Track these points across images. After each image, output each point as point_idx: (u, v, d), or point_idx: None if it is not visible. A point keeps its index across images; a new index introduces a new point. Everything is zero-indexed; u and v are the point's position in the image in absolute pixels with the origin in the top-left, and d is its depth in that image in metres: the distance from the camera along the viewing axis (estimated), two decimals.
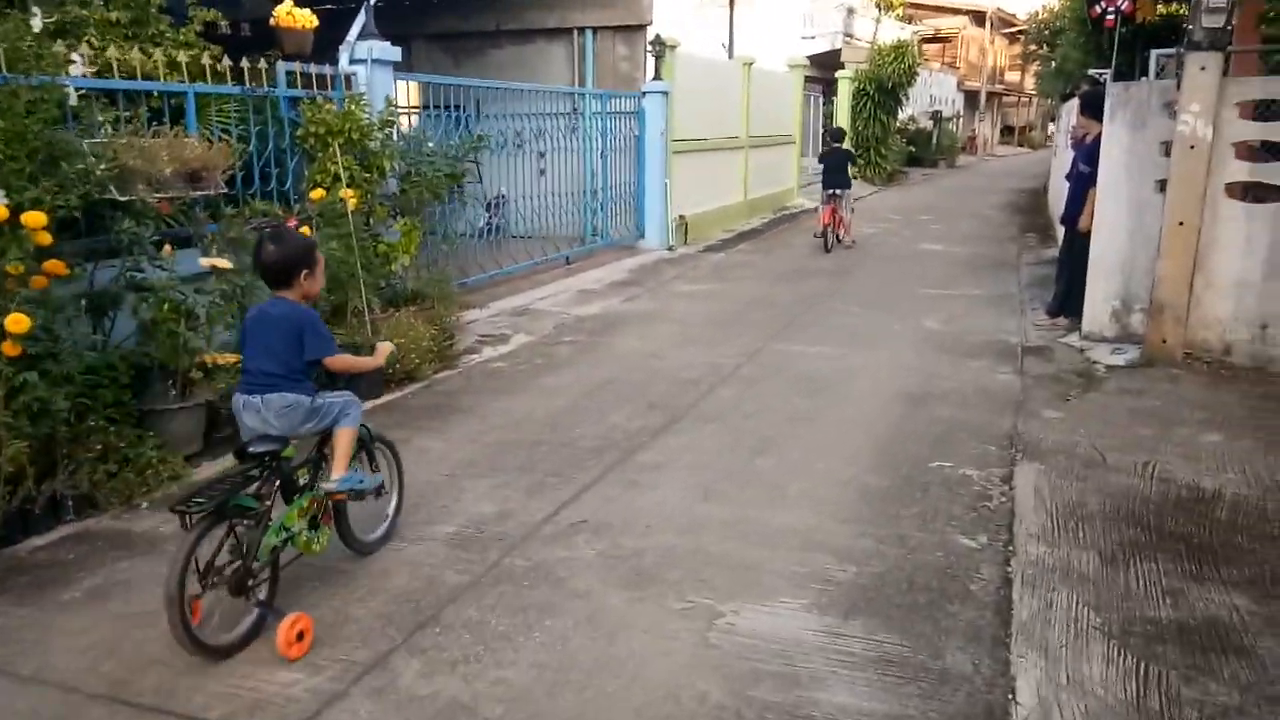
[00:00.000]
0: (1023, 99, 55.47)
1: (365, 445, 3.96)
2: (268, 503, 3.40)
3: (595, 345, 7.93)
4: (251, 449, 3.41)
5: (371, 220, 7.15)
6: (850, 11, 29.46)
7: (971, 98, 45.00)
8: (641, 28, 13.72)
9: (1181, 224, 6.80)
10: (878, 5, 32.84)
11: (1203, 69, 6.59)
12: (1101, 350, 7.47)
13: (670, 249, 13.79)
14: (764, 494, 4.72)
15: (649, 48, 13.44)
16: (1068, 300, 8.31)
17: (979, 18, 45.66)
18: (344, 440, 3.65)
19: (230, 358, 5.30)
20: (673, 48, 13.55)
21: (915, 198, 22.44)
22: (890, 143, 26.14)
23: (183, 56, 6.20)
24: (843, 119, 24.78)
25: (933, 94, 36.32)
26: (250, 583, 3.34)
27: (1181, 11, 15.03)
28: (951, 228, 16.25)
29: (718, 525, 4.33)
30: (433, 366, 6.95)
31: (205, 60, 6.29)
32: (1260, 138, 6.71)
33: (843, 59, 26.94)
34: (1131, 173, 7.30)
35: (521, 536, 4.23)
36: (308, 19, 8.60)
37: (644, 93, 13.39)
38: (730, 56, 19.31)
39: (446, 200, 7.87)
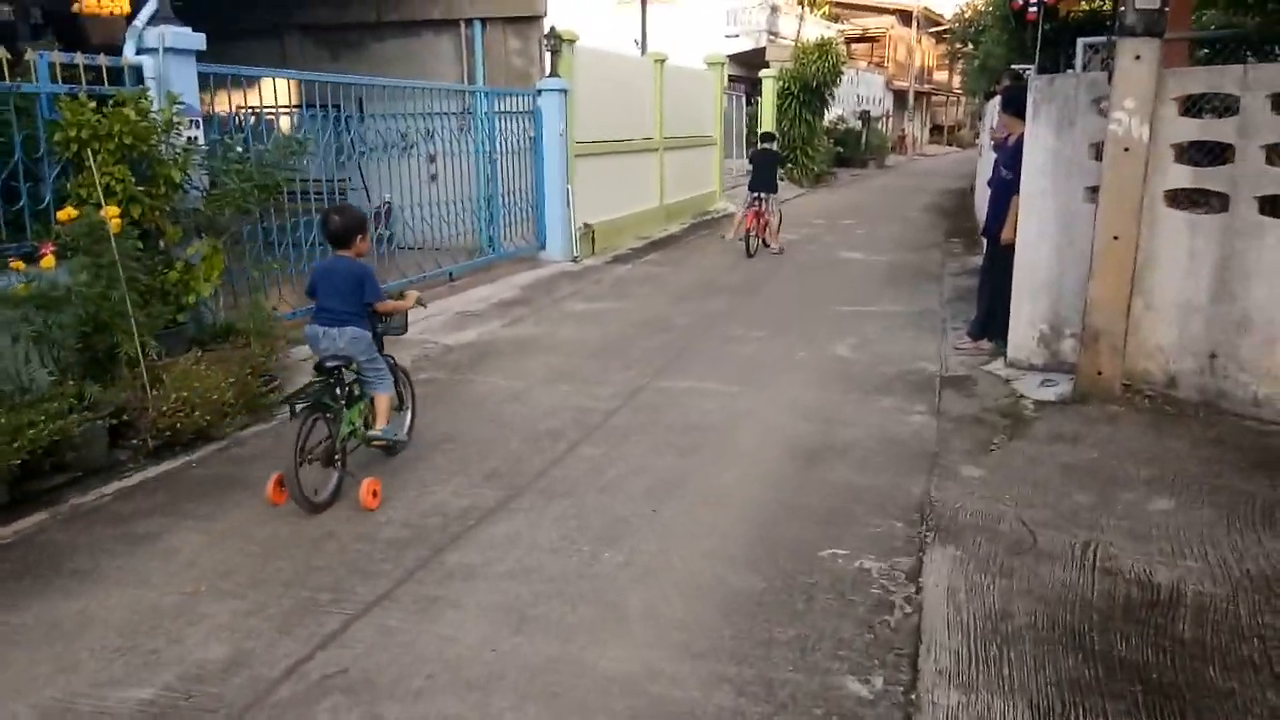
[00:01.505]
0: (951, 98, 55.51)
1: (394, 371, 5.12)
2: (341, 402, 4.64)
3: (452, 385, 6.75)
4: (328, 364, 4.54)
5: (163, 243, 5.86)
6: (774, 9, 28.68)
7: (900, 97, 44.68)
8: (536, 19, 12.55)
9: (1116, 238, 5.85)
10: (801, 3, 32.09)
11: (1137, 58, 5.64)
12: (1029, 382, 6.51)
13: (575, 260, 12.65)
14: (598, 614, 3.59)
15: (544, 42, 12.26)
16: (990, 321, 7.36)
17: (906, 17, 45.35)
18: (383, 403, 4.89)
19: None
20: (570, 42, 12.40)
21: (841, 200, 21.63)
22: (817, 143, 25.34)
23: None
24: (767, 119, 23.90)
25: (860, 93, 35.76)
26: (335, 457, 4.60)
27: (1105, 7, 14.39)
28: (875, 232, 15.39)
29: (523, 675, 3.19)
30: (237, 422, 5.70)
31: None
32: (1202, 137, 5.79)
33: (767, 58, 26.10)
34: (1058, 179, 6.35)
35: (245, 704, 3.03)
36: (118, 3, 7.25)
37: (539, 90, 12.21)
38: (644, 54, 18.23)
39: (258, 216, 6.57)
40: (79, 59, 5.66)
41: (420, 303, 5.35)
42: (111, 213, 5.24)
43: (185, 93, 6.34)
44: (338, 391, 4.63)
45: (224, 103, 9.87)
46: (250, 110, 12.46)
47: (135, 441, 5.20)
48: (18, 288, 4.73)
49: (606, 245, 13.55)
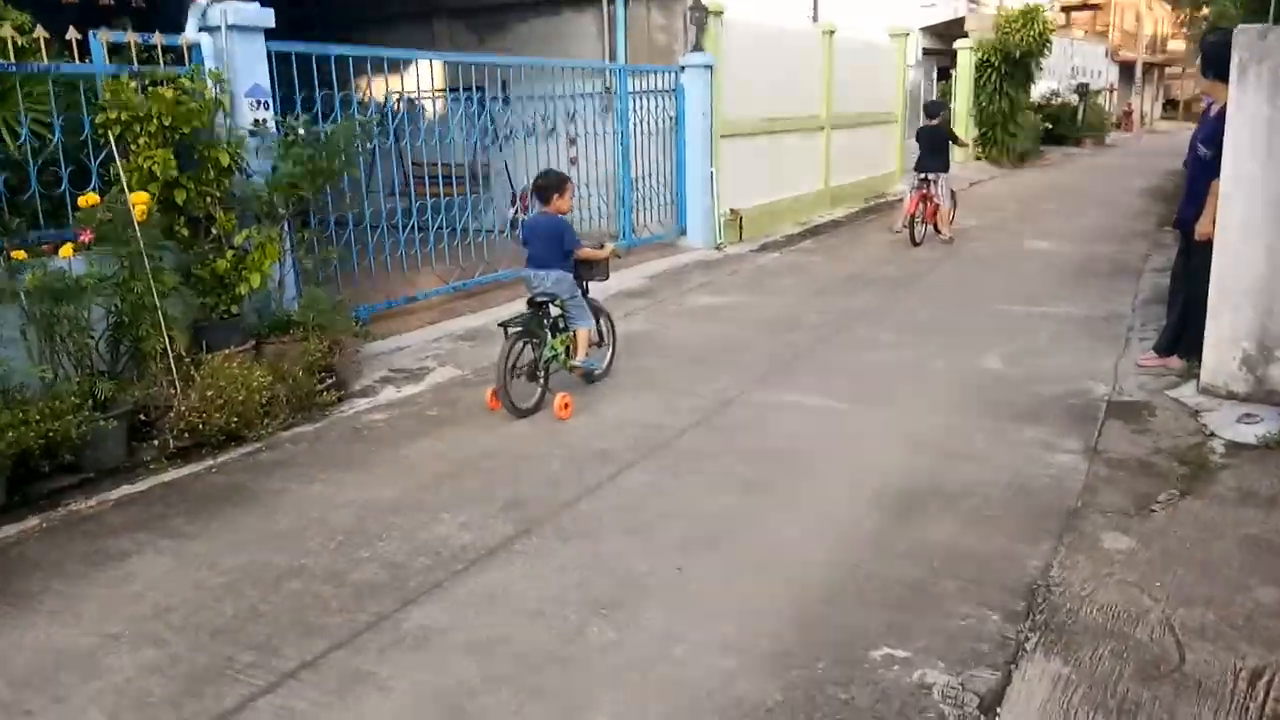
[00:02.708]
0: (1188, 69, 49.73)
1: (596, 313, 5.95)
2: (545, 331, 5.58)
3: None
4: (536, 299, 5.58)
5: (214, 230, 5.51)
6: None
7: (1127, 69, 40.35)
8: None
9: None
10: None
11: None
12: (1225, 415, 5.09)
13: (718, 248, 11.76)
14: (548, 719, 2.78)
15: (688, 15, 11.39)
16: (1183, 334, 5.90)
17: None
18: (581, 337, 5.73)
19: None
20: (717, 14, 11.47)
21: (1044, 181, 19.44)
22: (1020, 119, 22.94)
23: None
24: (963, 94, 21.93)
25: (1076, 65, 32.44)
26: (538, 374, 5.52)
27: None
28: (1073, 220, 13.50)
29: None
30: (280, 421, 5.28)
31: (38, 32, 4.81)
32: None
33: (966, 27, 23.92)
34: (1272, 159, 4.87)
35: None
36: None
37: (682, 67, 11.38)
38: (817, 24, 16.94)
39: (307, 201, 6.06)
40: (129, 38, 5.36)
41: (616, 254, 6.16)
42: (139, 199, 4.89)
43: (252, 72, 5.99)
44: (544, 322, 5.58)
45: (370, 88, 9.68)
46: (397, 95, 12.42)
47: (156, 442, 4.85)
48: (30, 277, 4.43)
49: (756, 232, 12.54)
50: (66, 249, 4.68)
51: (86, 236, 4.86)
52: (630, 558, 3.74)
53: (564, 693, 2.89)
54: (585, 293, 5.81)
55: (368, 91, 12.26)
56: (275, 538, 3.98)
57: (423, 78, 11.64)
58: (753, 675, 2.95)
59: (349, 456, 4.94)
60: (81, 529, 4.12)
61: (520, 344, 5.42)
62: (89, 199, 4.76)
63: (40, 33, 4.98)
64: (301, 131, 5.85)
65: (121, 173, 4.91)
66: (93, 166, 5.21)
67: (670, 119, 11.49)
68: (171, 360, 4.96)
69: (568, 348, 5.70)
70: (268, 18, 6.04)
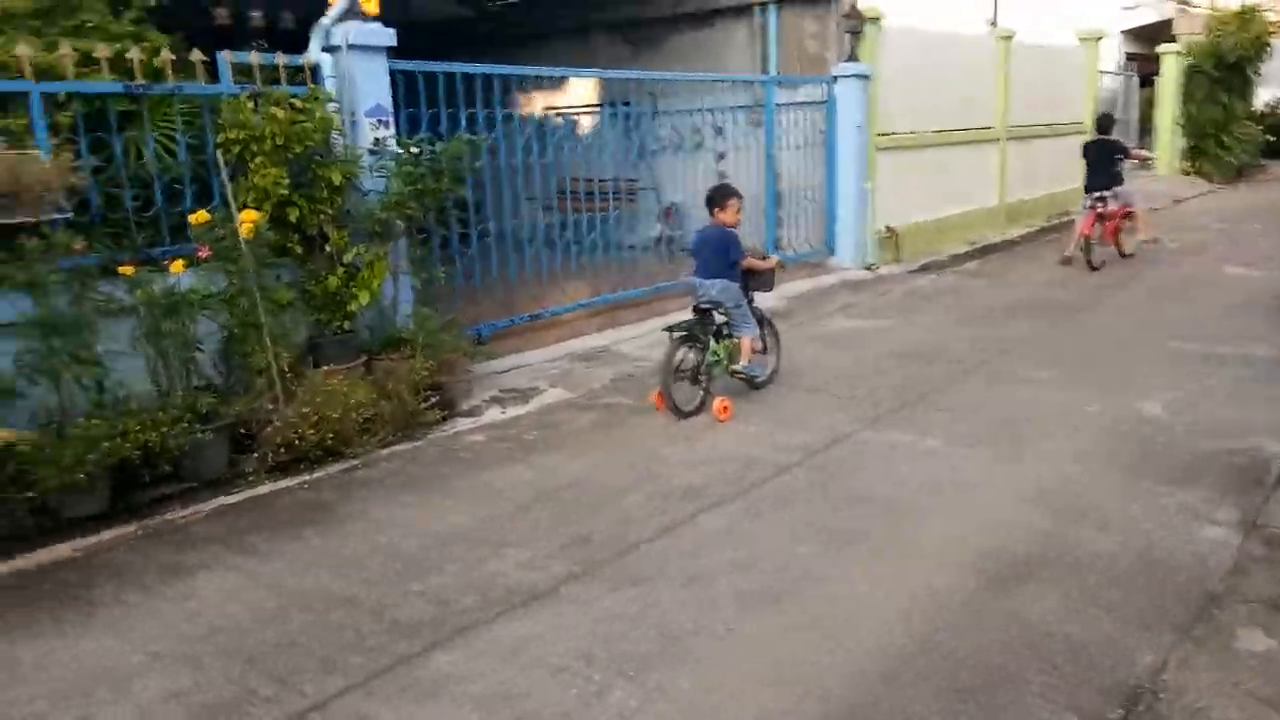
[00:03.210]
0: None
1: (761, 322, 6.13)
2: (708, 336, 5.81)
3: (622, 417, 5.90)
4: (701, 306, 5.85)
5: (328, 248, 5.65)
6: None
7: None
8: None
9: None
10: None
11: None
12: None
13: (869, 268, 11.21)
14: None
15: (840, 23, 10.91)
16: None
17: None
18: (745, 344, 5.94)
19: (5, 435, 4.03)
20: (874, 20, 10.95)
21: (1258, 199, 17.46)
22: (1236, 130, 20.75)
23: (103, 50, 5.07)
24: (1167, 102, 20.11)
25: None
26: (700, 378, 5.76)
27: None
28: None
29: None
30: (380, 439, 5.34)
31: (135, 54, 5.11)
32: None
33: (1175, 30, 21.92)
34: None
35: None
36: (368, 4, 7.32)
37: (834, 77, 10.92)
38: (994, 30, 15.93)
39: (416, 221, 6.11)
40: (253, 59, 5.58)
41: (781, 266, 6.45)
42: (247, 216, 5.07)
43: (374, 91, 6.12)
44: (707, 328, 5.83)
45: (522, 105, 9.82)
46: (553, 111, 12.66)
47: (257, 455, 4.99)
48: (140, 292, 4.66)
49: (916, 251, 11.87)
50: (177, 265, 4.90)
51: (204, 253, 5.08)
52: (680, 611, 3.47)
53: None
54: (750, 302, 6.03)
55: (525, 107, 12.53)
56: (339, 562, 3.97)
57: (578, 93, 11.82)
58: None
59: (435, 480, 4.91)
60: (170, 539, 4.26)
61: (684, 348, 5.70)
62: (200, 217, 4.97)
63: (166, 56, 5.23)
64: (415, 150, 5.90)
65: (228, 191, 5.10)
66: (215, 185, 5.44)
67: (821, 132, 11.06)
68: (275, 375, 5.09)
69: (730, 353, 5.93)
70: (389, 37, 6.16)
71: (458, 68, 6.98)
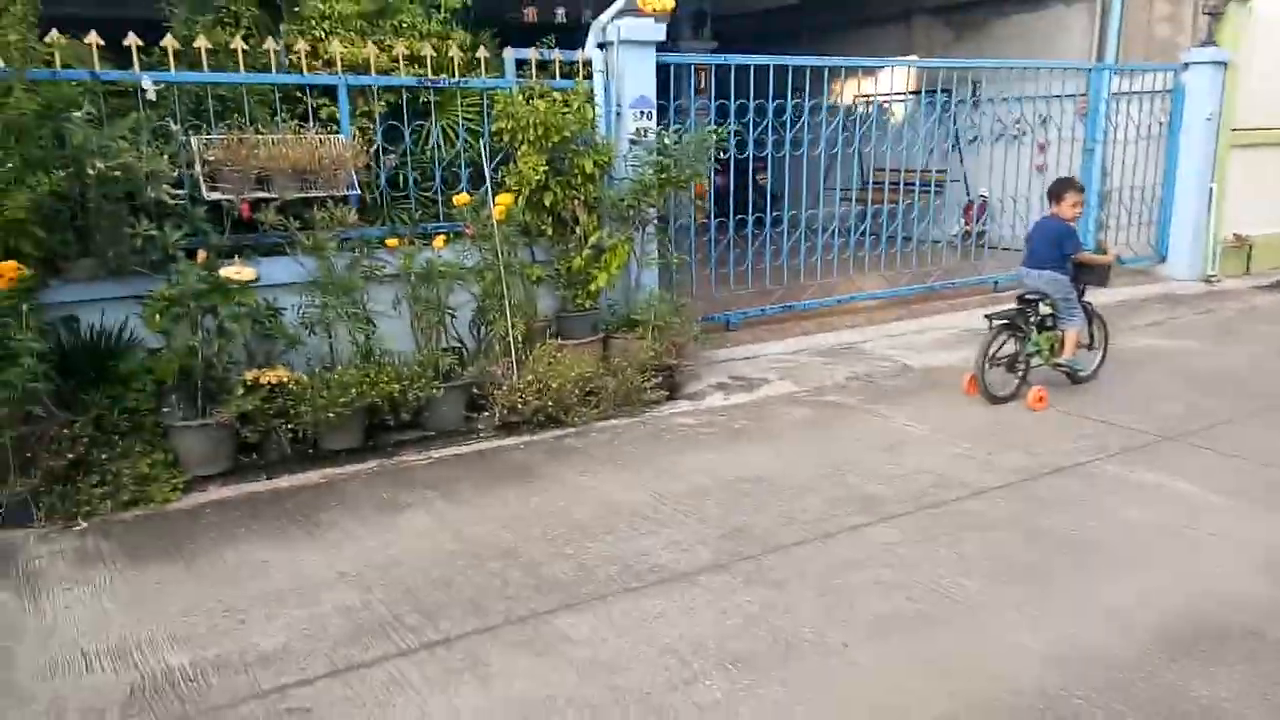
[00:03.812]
0: None
1: (1089, 317, 6.14)
2: (1030, 326, 5.91)
3: (843, 416, 5.78)
4: (1026, 297, 5.94)
5: (579, 230, 6.07)
6: None
7: None
8: None
9: None
10: None
11: None
12: None
13: (1208, 280, 9.87)
14: None
15: (1200, 3, 9.57)
16: None
17: None
18: (1070, 337, 5.97)
19: (279, 374, 4.86)
20: (1242, 1, 9.49)
21: None
22: None
23: (427, 49, 5.88)
24: None
25: None
26: (1017, 366, 5.90)
27: None
28: None
29: None
30: (600, 411, 5.70)
31: (453, 52, 5.88)
32: None
33: None
34: None
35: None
36: (664, 3, 7.81)
37: (1184, 65, 9.63)
38: None
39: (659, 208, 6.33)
40: (531, 55, 6.11)
41: (1119, 259, 6.61)
42: (503, 200, 5.59)
43: (640, 83, 6.44)
44: (1030, 319, 5.92)
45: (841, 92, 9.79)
46: (865, 98, 12.40)
47: (487, 415, 5.54)
48: (403, 262, 5.36)
49: (1272, 264, 10.25)
50: (439, 240, 5.54)
51: (469, 231, 5.71)
52: (804, 620, 3.42)
53: None
54: (1081, 295, 6.02)
55: (838, 95, 12.48)
56: (517, 518, 4.34)
57: (895, 80, 11.50)
58: None
59: (633, 455, 5.16)
60: (397, 478, 4.88)
61: (1002, 336, 5.84)
62: (461, 199, 5.57)
63: (457, 53, 5.88)
64: (667, 141, 6.14)
65: (487, 176, 5.65)
66: (487, 169, 6.05)
67: (1162, 124, 9.83)
68: (512, 344, 5.61)
69: (1052, 345, 5.97)
70: (658, 32, 6.45)
71: (734, 59, 7.16)
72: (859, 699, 2.97)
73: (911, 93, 11.91)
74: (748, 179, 7.85)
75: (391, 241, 5.40)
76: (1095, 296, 6.31)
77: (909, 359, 7.00)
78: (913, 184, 10.12)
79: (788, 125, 7.67)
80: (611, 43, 6.34)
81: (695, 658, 3.20)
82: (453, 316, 5.69)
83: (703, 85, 11.61)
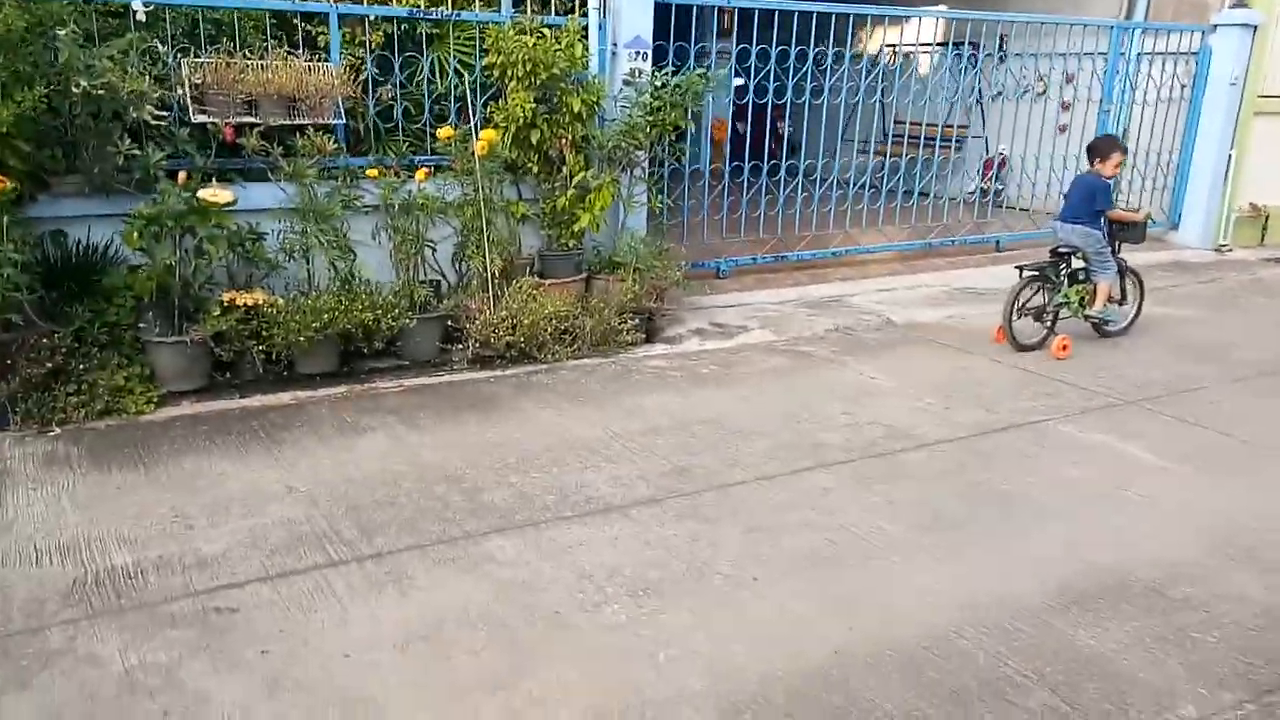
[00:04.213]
0: None
1: (1122, 272, 6.36)
2: (1061, 279, 6.17)
3: (813, 366, 5.84)
4: (1059, 250, 6.19)
5: (566, 169, 6.11)
6: None
7: None
8: None
9: None
10: None
11: None
12: None
13: (1220, 249, 9.73)
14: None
15: None
16: None
17: None
18: (1102, 289, 6.22)
19: (255, 297, 5.01)
20: None
21: None
22: None
23: None
24: None
25: None
26: (1044, 317, 6.14)
27: None
28: None
29: None
30: (573, 350, 5.80)
31: None
32: None
33: None
34: None
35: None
36: None
37: (1213, 26, 9.38)
38: None
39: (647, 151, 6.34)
40: None
41: (1150, 218, 6.64)
42: (486, 135, 5.65)
43: (635, 24, 6.42)
44: (1061, 270, 6.16)
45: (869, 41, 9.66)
46: (892, 47, 12.23)
47: (460, 348, 5.66)
48: (383, 192, 5.45)
49: None
50: (420, 173, 5.62)
51: (455, 165, 5.78)
52: (725, 554, 3.53)
53: (532, 655, 2.93)
54: (1115, 251, 6.25)
55: (864, 44, 12.29)
56: (472, 446, 4.48)
57: (924, 30, 11.30)
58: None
59: (597, 394, 5.26)
60: (364, 403, 5.03)
61: (1031, 287, 6.08)
62: (445, 132, 5.63)
63: None
64: (659, 83, 6.13)
65: (475, 110, 5.70)
66: (475, 104, 6.10)
67: (1184, 87, 9.60)
68: (490, 279, 5.71)
69: (1082, 298, 6.21)
70: None
71: (758, 1, 7.10)
72: (758, 628, 3.09)
73: (938, 44, 11.72)
74: (768, 127, 7.90)
75: (372, 172, 5.49)
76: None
77: (894, 314, 7.01)
78: (934, 139, 10.05)
79: (808, 74, 7.67)
80: None
81: (610, 583, 3.34)
82: (433, 249, 5.79)
83: (728, 26, 11.51)
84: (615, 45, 6.45)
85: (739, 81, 8.52)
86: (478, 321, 5.55)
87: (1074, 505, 4.01)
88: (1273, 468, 4.45)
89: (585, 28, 6.27)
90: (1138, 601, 3.27)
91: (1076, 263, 6.20)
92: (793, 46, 7.45)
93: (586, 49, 6.05)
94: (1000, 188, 11.23)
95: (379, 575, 3.36)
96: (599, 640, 3.01)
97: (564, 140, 6.07)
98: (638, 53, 6.46)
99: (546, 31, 5.88)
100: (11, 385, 4.46)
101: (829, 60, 7.76)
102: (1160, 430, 4.87)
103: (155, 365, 4.90)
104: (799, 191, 7.98)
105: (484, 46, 5.99)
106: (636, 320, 6.10)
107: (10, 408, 4.46)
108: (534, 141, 5.96)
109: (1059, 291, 6.15)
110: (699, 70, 6.10)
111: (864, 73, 8.25)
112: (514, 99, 5.84)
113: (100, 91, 4.56)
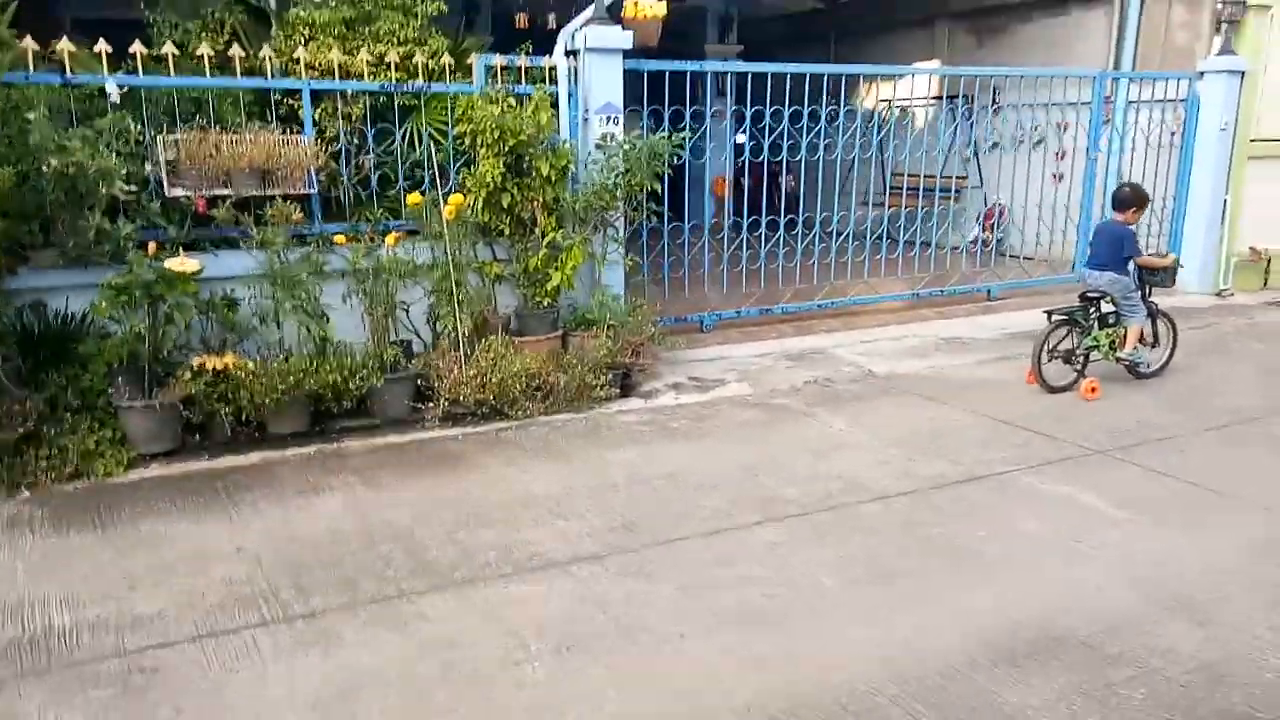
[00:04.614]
0: None
1: (1153, 315, 6.53)
2: (1090, 322, 6.30)
3: (784, 419, 5.83)
4: (1088, 295, 6.31)
5: (538, 230, 6.23)
6: None
7: None
8: None
9: None
10: None
11: None
12: None
13: (1220, 294, 9.63)
14: None
15: (1219, 8, 9.32)
16: None
17: None
18: (1133, 332, 6.33)
19: (225, 361, 5.13)
20: (1262, 8, 9.26)
21: None
22: None
23: (418, 55, 6.16)
24: None
25: None
26: (1074, 359, 6.27)
27: None
28: None
29: None
30: (546, 406, 5.85)
31: (418, 57, 6.15)
32: None
33: None
34: None
35: None
36: (654, 10, 7.99)
37: (1200, 73, 9.41)
38: None
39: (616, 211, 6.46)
40: (496, 60, 6.31)
41: (1178, 264, 6.74)
42: (454, 201, 5.80)
43: (606, 90, 6.59)
44: (1090, 314, 6.31)
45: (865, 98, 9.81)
46: (886, 103, 12.40)
47: (431, 406, 5.74)
48: (352, 257, 5.60)
49: None
50: (391, 237, 5.76)
51: (425, 229, 5.92)
52: (656, 611, 3.53)
53: (442, 713, 2.93)
54: (1146, 295, 6.44)
55: (862, 99, 12.49)
56: (426, 504, 4.52)
57: (918, 85, 11.46)
58: None
59: (563, 449, 5.30)
60: (328, 464, 5.09)
61: (1061, 330, 6.24)
62: (413, 199, 5.79)
63: (420, 57, 6.11)
64: (626, 147, 6.27)
65: (435, 177, 5.86)
66: (451, 170, 6.27)
67: (1174, 134, 9.60)
68: (460, 339, 5.80)
69: (1113, 341, 6.34)
70: (625, 40, 6.59)
71: (690, 66, 7.26)
72: (670, 684, 3.08)
73: (933, 98, 11.86)
74: (766, 182, 8.11)
75: (340, 239, 5.64)
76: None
77: (875, 365, 7.00)
78: (932, 189, 10.15)
79: (804, 131, 7.83)
80: (579, 50, 6.50)
81: (535, 640, 3.34)
82: (406, 310, 5.91)
83: (723, 88, 11.76)
84: (587, 111, 6.61)
85: (740, 139, 8.71)
86: (448, 380, 5.63)
87: (1022, 558, 3.96)
88: (1235, 517, 4.36)
89: (555, 96, 6.43)
90: (1069, 656, 3.21)
91: (1106, 306, 6.34)
92: (786, 106, 7.72)
93: (553, 116, 6.19)
94: (1001, 237, 11.26)
95: (308, 635, 3.39)
96: (511, 699, 3.01)
97: (535, 203, 6.20)
98: (609, 118, 6.62)
99: (513, 101, 6.04)
100: None
101: (822, 119, 7.96)
102: (1126, 480, 4.80)
103: (126, 429, 5.02)
104: (798, 243, 8.08)
105: (455, 116, 6.17)
106: (611, 376, 6.14)
107: None
108: (505, 205, 6.10)
109: (1088, 335, 6.27)
110: (660, 134, 6.22)
111: (858, 129, 8.35)
112: (484, 165, 5.99)
113: (71, 170, 4.76)
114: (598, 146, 6.51)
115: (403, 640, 3.35)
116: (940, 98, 11.53)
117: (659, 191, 6.40)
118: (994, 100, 10.24)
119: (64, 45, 5.22)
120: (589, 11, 6.57)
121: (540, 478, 4.87)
